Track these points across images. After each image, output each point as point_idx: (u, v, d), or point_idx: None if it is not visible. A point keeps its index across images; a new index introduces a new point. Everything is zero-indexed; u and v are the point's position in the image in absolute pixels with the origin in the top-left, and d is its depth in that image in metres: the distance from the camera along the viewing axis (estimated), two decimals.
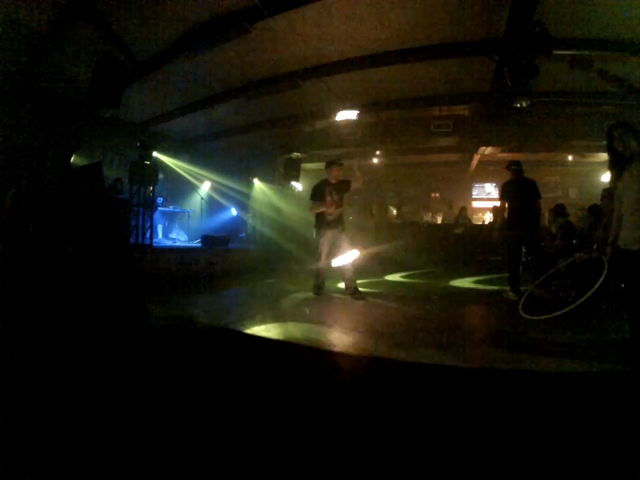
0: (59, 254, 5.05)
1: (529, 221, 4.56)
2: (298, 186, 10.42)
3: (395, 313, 3.97)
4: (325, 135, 9.66)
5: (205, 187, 10.40)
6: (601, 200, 4.67)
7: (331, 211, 4.67)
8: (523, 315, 3.59)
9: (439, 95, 7.33)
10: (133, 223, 6.65)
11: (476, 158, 9.89)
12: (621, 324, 3.06)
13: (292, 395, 1.92)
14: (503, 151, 9.45)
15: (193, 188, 10.21)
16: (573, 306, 3.32)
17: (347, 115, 7.92)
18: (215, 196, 10.39)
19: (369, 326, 3.35)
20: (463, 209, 10.03)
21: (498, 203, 5.54)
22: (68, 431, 1.49)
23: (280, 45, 5.60)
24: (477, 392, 2.03)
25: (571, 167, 10.49)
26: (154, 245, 7.13)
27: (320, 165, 10.35)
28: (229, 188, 10.13)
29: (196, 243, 8.73)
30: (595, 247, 3.89)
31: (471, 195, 11.68)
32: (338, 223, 4.75)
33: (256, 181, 10.38)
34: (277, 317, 3.61)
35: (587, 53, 5.35)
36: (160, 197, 8.65)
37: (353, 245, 4.84)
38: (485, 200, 11.46)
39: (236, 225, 10.41)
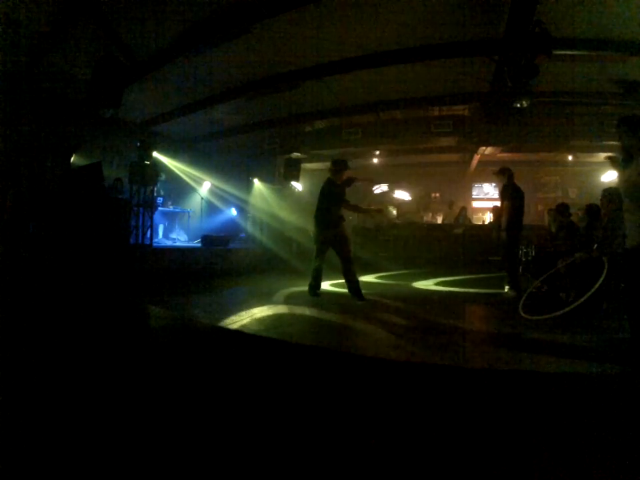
0: (59, 254, 5.05)
1: (521, 222, 4.94)
2: (298, 186, 10.41)
3: (394, 313, 3.98)
4: (325, 135, 9.66)
5: (205, 187, 10.40)
6: (601, 200, 4.66)
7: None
8: (523, 315, 3.59)
9: (439, 95, 7.33)
10: (133, 223, 6.65)
11: (476, 158, 9.89)
12: (620, 324, 3.06)
13: (292, 394, 1.93)
14: (503, 151, 9.45)
15: (193, 188, 10.20)
16: (573, 306, 3.32)
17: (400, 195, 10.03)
18: (215, 196, 10.38)
19: (368, 326, 3.35)
20: (463, 209, 10.01)
21: (498, 203, 5.59)
22: (68, 430, 1.50)
23: (280, 44, 5.59)
24: (476, 392, 2.03)
25: (570, 167, 10.49)
26: (154, 245, 7.13)
27: (320, 165, 10.39)
28: (229, 188, 10.13)
29: (196, 243, 8.73)
30: (595, 246, 3.89)
31: (471, 194, 11.68)
32: (338, 223, 4.75)
33: (256, 181, 10.37)
34: (276, 316, 3.62)
35: (586, 52, 5.36)
36: (160, 197, 8.64)
37: (353, 245, 4.84)
38: (485, 200, 11.46)
39: (236, 225, 10.39)
